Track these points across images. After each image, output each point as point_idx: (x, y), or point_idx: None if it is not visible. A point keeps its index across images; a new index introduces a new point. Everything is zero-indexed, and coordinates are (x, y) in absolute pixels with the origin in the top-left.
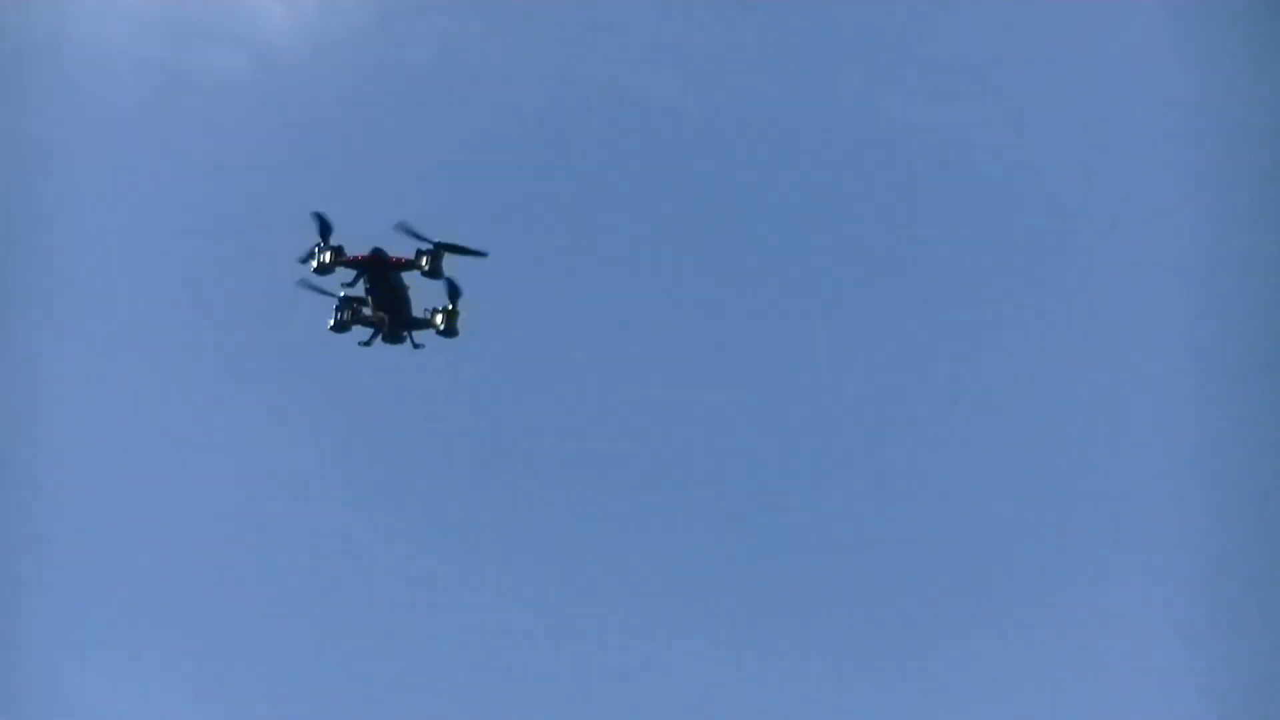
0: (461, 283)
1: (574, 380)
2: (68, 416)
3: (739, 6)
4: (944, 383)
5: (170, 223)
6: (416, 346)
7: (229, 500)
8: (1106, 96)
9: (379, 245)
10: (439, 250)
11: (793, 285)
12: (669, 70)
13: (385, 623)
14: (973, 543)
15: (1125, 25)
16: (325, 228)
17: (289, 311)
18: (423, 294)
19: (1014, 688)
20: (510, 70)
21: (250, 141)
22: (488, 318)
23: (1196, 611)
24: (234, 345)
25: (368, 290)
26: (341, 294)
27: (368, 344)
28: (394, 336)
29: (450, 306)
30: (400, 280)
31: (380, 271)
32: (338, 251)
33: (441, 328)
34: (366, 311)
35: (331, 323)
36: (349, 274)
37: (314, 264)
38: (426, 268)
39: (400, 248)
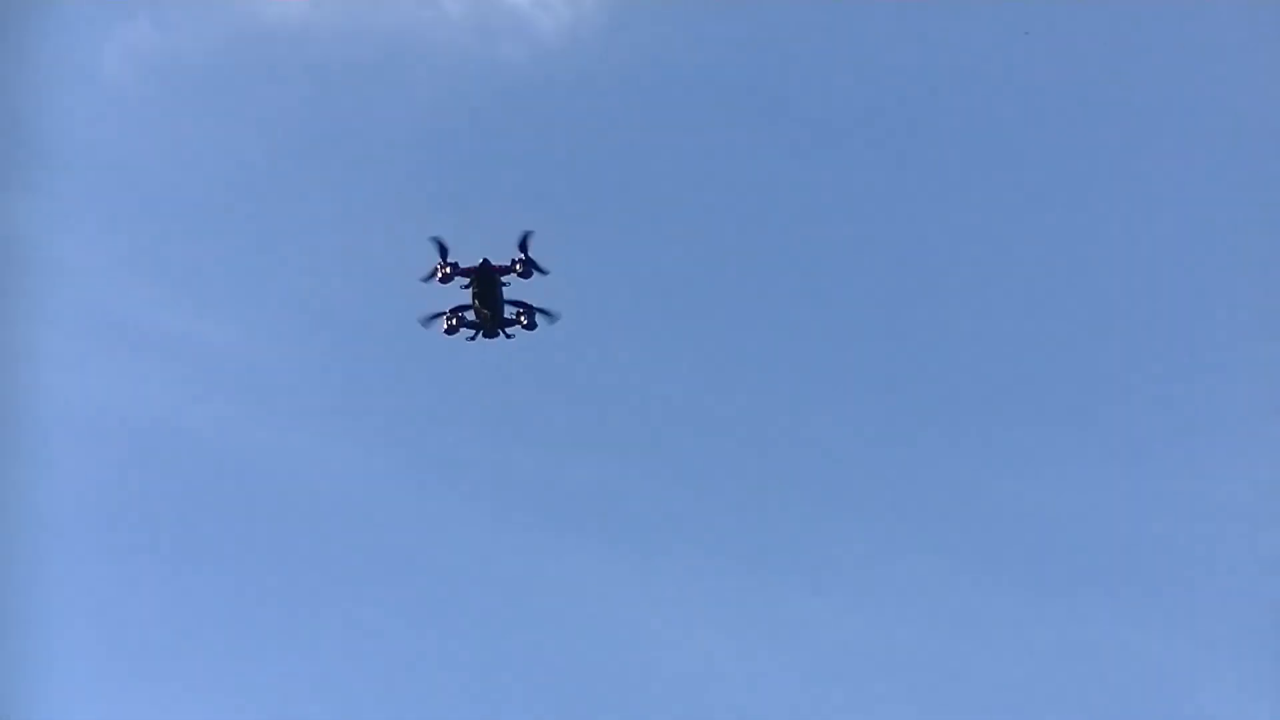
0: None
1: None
2: None
3: None
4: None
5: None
6: (509, 337)
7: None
8: None
9: (486, 256)
10: (529, 258)
11: None
12: None
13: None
14: None
15: None
16: (443, 250)
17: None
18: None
19: None
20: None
21: None
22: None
23: None
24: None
25: (475, 295)
26: (448, 310)
27: (473, 339)
28: (491, 332)
29: (531, 305)
30: (500, 283)
31: (487, 277)
32: (454, 266)
33: (524, 323)
34: (469, 316)
35: (444, 328)
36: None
37: (436, 279)
38: (520, 270)
39: (501, 256)
